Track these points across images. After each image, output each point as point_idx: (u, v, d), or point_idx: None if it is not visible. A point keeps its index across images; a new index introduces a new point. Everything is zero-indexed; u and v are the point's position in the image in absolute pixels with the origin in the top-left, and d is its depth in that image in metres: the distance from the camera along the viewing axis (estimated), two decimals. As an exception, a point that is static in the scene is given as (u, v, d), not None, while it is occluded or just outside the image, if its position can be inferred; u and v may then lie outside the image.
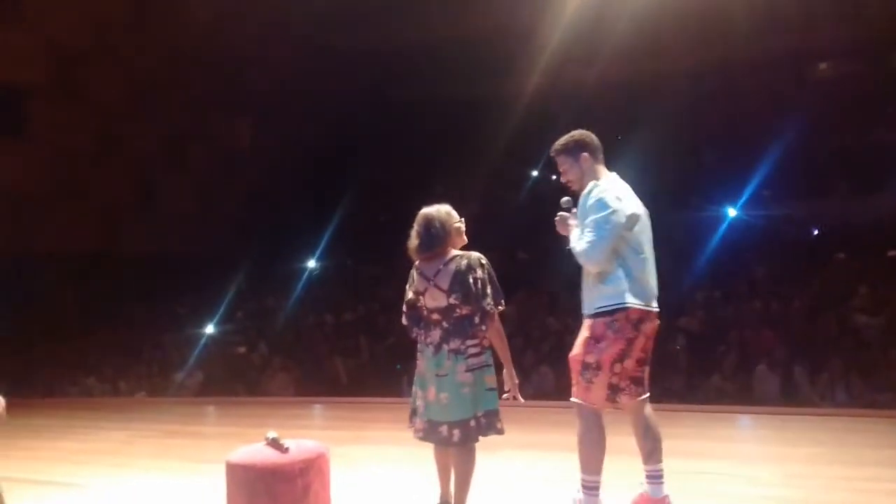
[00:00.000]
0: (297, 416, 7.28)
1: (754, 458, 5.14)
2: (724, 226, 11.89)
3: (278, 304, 13.19)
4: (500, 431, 3.61)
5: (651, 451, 3.63)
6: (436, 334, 3.59)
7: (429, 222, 3.62)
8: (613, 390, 3.53)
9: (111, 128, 12.60)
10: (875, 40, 9.91)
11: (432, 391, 3.56)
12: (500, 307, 3.60)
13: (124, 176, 13.09)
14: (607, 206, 3.44)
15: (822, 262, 10.77)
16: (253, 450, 3.39)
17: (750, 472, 4.66)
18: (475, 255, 3.62)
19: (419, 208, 3.73)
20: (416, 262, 3.70)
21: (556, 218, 3.71)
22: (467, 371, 3.51)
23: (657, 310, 3.59)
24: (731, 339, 9.06)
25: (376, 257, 12.28)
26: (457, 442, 3.52)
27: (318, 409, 7.91)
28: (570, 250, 3.61)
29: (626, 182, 3.66)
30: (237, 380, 10.81)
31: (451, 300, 3.54)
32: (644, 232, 3.59)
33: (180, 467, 5.41)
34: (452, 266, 3.56)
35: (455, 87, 11.36)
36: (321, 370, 10.86)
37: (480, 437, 3.57)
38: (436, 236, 3.60)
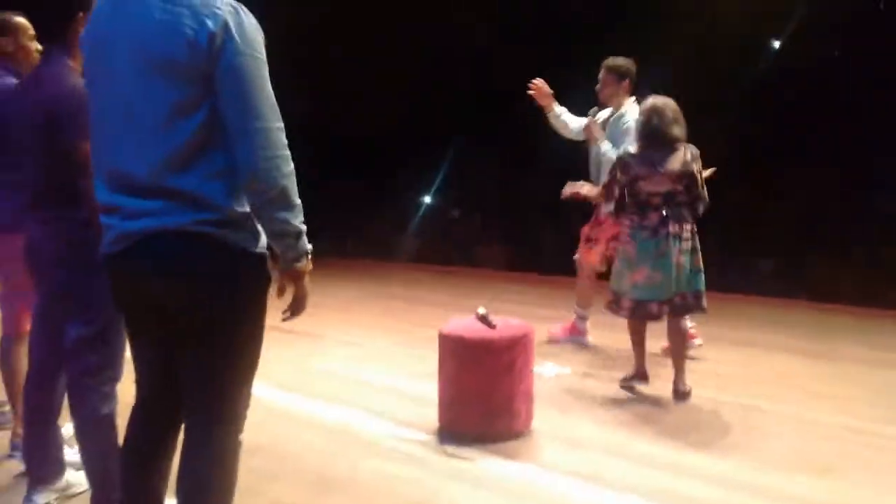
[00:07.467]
0: (507, 291, 7.51)
1: None
2: None
3: (491, 177, 13.36)
4: (705, 310, 3.88)
5: None
6: (654, 217, 3.77)
7: (659, 112, 3.78)
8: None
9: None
10: None
11: (644, 271, 3.77)
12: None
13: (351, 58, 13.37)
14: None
15: None
16: (464, 323, 3.62)
17: None
18: (693, 147, 3.81)
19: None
20: (635, 148, 3.88)
21: (588, 123, 4.74)
22: (681, 254, 3.74)
23: None
24: None
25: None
26: (668, 317, 3.85)
27: (527, 286, 8.14)
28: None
29: None
30: (453, 248, 11.34)
31: (676, 187, 3.75)
32: None
33: (400, 328, 5.95)
34: (679, 155, 3.75)
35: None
36: (532, 245, 11.06)
37: (687, 316, 3.94)
38: (666, 125, 3.75)
